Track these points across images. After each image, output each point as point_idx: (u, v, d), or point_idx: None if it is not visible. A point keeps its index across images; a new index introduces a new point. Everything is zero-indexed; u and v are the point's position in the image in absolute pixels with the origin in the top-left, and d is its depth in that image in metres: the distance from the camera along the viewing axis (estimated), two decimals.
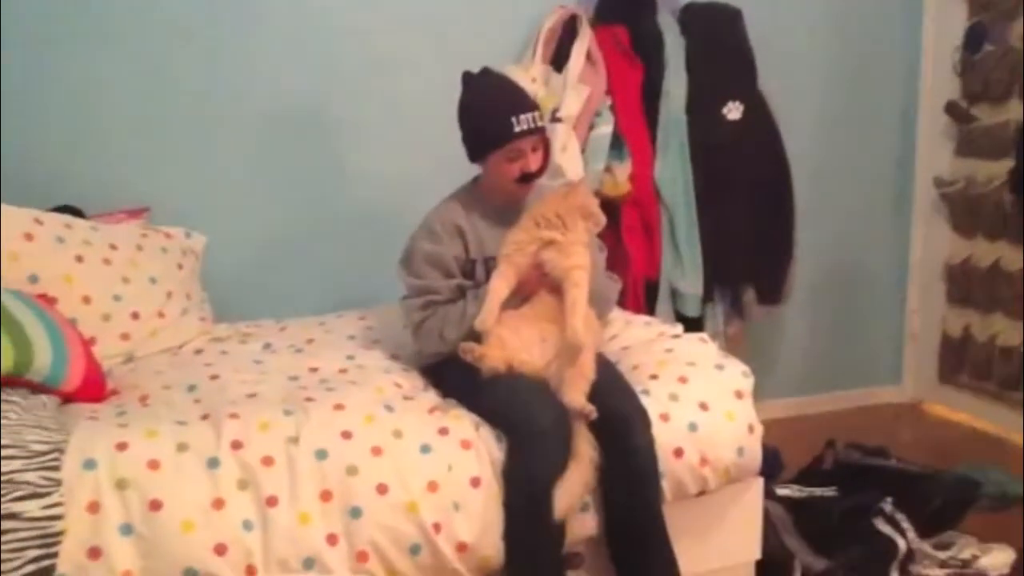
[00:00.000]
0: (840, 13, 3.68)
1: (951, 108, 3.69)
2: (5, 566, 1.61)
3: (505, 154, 2.23)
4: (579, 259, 2.16)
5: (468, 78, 2.32)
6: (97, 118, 2.90)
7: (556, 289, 2.17)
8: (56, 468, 1.71)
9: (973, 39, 3.56)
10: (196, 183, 3.02)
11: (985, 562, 2.55)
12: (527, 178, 2.27)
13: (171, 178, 2.99)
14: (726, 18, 3.29)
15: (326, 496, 1.85)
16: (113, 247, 2.51)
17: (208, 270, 2.84)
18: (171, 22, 2.93)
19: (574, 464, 1.97)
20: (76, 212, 2.66)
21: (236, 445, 1.84)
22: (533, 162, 2.26)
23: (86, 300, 2.37)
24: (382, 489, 1.88)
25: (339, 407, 1.99)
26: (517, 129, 2.20)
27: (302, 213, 3.15)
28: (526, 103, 2.26)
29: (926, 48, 3.77)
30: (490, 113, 2.24)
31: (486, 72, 2.34)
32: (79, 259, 2.41)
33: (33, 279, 2.30)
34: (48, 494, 1.67)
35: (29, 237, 2.33)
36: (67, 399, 2.04)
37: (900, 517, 2.60)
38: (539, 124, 2.25)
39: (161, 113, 2.96)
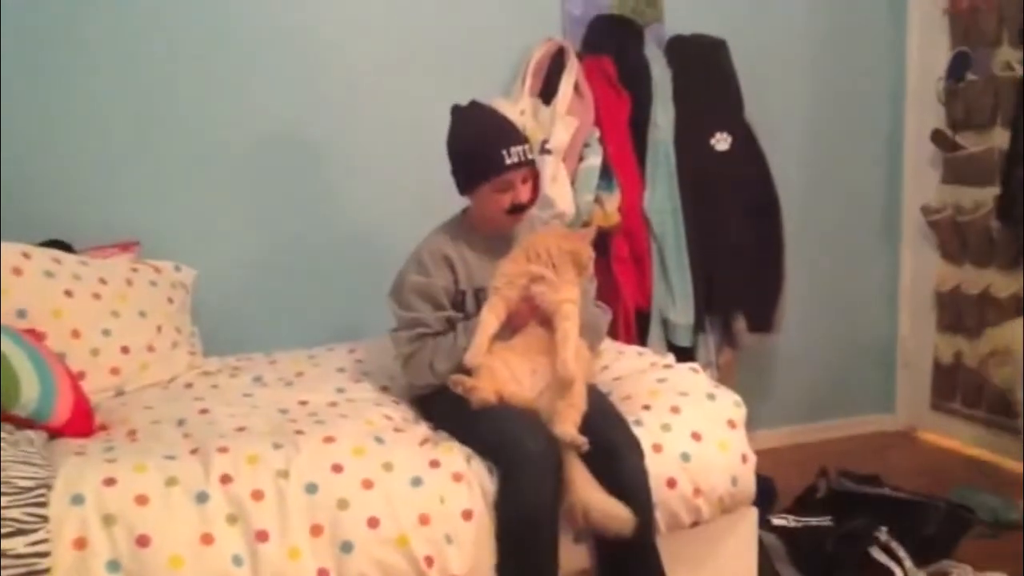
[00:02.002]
0: (825, 43, 3.73)
1: (936, 136, 3.72)
2: None
3: (496, 186, 2.24)
4: (569, 294, 2.15)
5: (457, 111, 2.34)
6: (86, 153, 2.91)
7: (547, 321, 2.17)
8: (42, 504, 1.69)
9: (956, 68, 3.60)
10: (186, 217, 3.02)
11: None
12: (517, 209, 2.28)
13: (161, 212, 2.99)
14: (712, 50, 3.33)
15: (316, 530, 1.83)
16: (103, 281, 2.50)
17: (198, 303, 2.84)
18: (159, 57, 2.95)
19: (573, 486, 1.95)
20: (65, 246, 2.65)
21: (225, 479, 1.82)
22: (523, 194, 2.28)
23: (75, 334, 2.36)
24: (373, 522, 1.86)
25: (329, 440, 1.98)
26: (508, 162, 2.22)
27: (292, 246, 3.15)
28: (516, 136, 2.28)
29: (910, 77, 3.81)
30: (481, 146, 2.25)
31: (475, 105, 2.36)
32: (68, 293, 2.40)
33: (21, 314, 2.28)
34: (34, 531, 1.65)
35: (18, 271, 2.32)
36: (55, 434, 2.02)
37: (896, 546, 2.58)
38: (529, 157, 2.28)
39: (151, 148, 2.97)
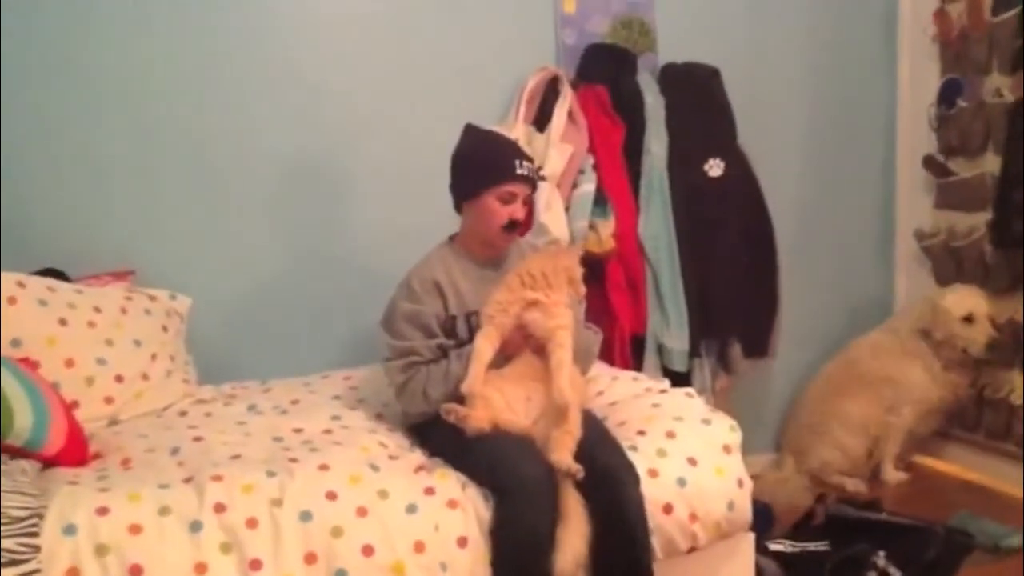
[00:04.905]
0: (817, 70, 3.76)
1: (928, 162, 3.74)
2: None
3: (500, 195, 2.28)
4: (562, 319, 2.16)
5: (470, 127, 2.41)
6: (82, 181, 2.91)
7: (539, 348, 2.17)
8: (35, 534, 1.67)
9: (947, 94, 3.63)
10: (181, 245, 3.02)
11: None
12: (512, 226, 2.30)
13: (156, 240, 2.99)
14: (705, 77, 3.35)
15: (311, 559, 1.82)
16: (97, 310, 2.50)
17: (193, 332, 2.83)
18: (157, 86, 2.96)
19: (567, 521, 1.94)
20: (60, 275, 2.65)
21: (219, 508, 1.81)
22: (520, 211, 2.31)
23: (69, 363, 2.36)
24: (368, 551, 1.85)
25: (324, 468, 1.97)
26: (519, 171, 2.28)
27: (287, 275, 3.15)
28: (526, 155, 2.37)
29: (902, 104, 3.84)
30: (494, 152, 2.33)
31: (487, 129, 2.45)
32: (62, 322, 2.39)
33: (16, 343, 2.28)
34: (25, 561, 1.64)
35: (12, 300, 2.32)
36: (48, 463, 2.01)
37: (894, 571, 2.57)
38: (535, 177, 2.35)
39: (146, 177, 2.97)
